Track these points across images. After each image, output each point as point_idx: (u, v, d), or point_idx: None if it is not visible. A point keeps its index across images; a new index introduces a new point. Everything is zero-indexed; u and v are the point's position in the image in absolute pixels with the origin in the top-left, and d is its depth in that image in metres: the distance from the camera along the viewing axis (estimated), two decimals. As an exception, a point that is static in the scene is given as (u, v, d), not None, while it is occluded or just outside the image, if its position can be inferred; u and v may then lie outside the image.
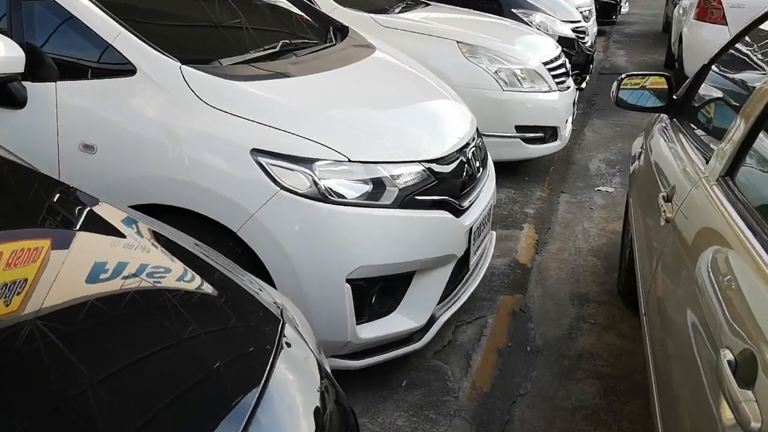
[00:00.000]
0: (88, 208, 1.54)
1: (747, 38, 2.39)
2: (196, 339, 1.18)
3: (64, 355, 1.01)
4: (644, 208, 2.58)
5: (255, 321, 1.31)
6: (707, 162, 1.87)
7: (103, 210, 1.51)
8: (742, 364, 1.14)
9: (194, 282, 1.34)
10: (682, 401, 1.52)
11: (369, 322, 2.41)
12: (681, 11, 9.43)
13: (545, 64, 5.02)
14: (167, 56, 2.34)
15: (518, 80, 4.83)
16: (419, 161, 2.52)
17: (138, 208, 2.27)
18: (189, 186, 2.24)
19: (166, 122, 2.26)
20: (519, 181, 5.15)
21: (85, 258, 1.30)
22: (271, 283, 2.28)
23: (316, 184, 2.27)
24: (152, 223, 1.53)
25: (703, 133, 2.38)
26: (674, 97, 2.63)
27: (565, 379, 2.81)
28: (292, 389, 1.21)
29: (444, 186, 2.60)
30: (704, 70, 2.56)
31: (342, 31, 3.51)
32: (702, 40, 7.65)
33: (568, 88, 5.22)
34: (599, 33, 11.41)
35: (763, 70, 2.29)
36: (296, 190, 2.25)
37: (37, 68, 2.34)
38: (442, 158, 2.62)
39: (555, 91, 4.98)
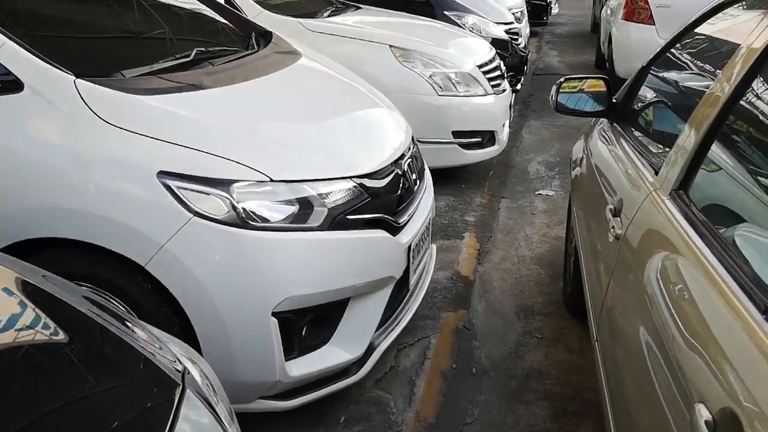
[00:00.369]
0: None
1: (685, 39, 2.27)
2: (61, 416, 0.94)
3: None
4: (589, 219, 2.44)
5: (145, 391, 1.08)
6: (656, 173, 1.72)
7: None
8: (715, 411, 0.99)
9: (67, 345, 1.10)
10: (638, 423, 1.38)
11: (300, 357, 2.19)
12: (609, 12, 9.52)
13: (480, 67, 4.89)
14: (60, 69, 2.07)
15: (453, 84, 4.68)
16: (350, 177, 2.31)
17: (25, 243, 2.01)
18: (87, 216, 1.97)
19: (58, 144, 1.99)
20: (458, 187, 5.00)
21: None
22: (186, 321, 2.04)
23: (234, 208, 2.04)
24: (23, 269, 1.28)
25: (647, 138, 2.25)
26: (614, 100, 2.50)
27: (514, 402, 2.65)
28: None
29: (378, 202, 2.40)
30: (643, 72, 2.44)
31: (265, 37, 3.28)
32: (631, 40, 7.71)
33: (504, 90, 5.11)
34: (531, 34, 11.46)
35: (703, 72, 2.17)
36: (212, 216, 2.01)
37: None
38: (375, 172, 2.43)
39: (491, 94, 4.85)
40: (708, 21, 2.11)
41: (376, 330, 2.42)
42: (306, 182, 2.19)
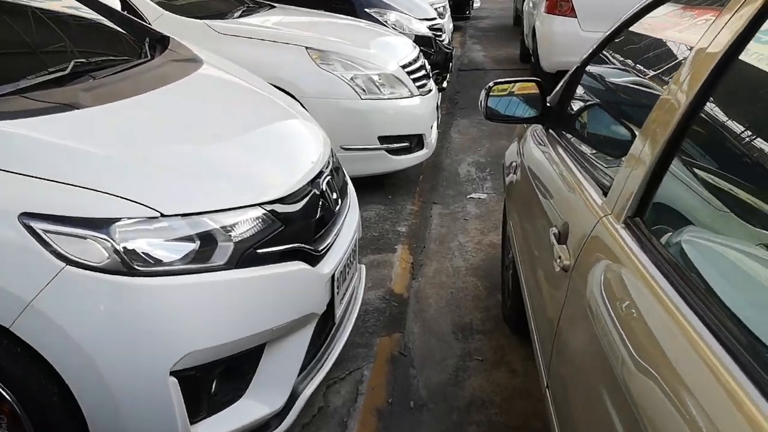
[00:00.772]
0: None
1: (621, 37, 2.06)
2: None
3: None
4: (530, 237, 2.22)
5: None
6: (604, 193, 1.49)
7: None
8: None
9: None
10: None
11: (209, 418, 1.88)
12: (531, 5, 9.45)
13: (404, 67, 4.65)
14: None
15: (377, 87, 4.42)
16: (259, 204, 2.01)
17: None
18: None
19: None
20: (387, 195, 4.75)
21: None
22: (67, 389, 1.70)
23: (116, 252, 1.71)
24: None
25: (588, 148, 2.03)
26: (548, 104, 2.28)
27: (457, 439, 2.41)
28: None
29: (294, 230, 2.11)
30: (577, 73, 2.22)
31: (161, 42, 2.93)
32: (554, 33, 7.64)
33: (430, 91, 4.88)
34: (454, 28, 11.34)
35: (645, 75, 1.97)
36: (89, 264, 1.68)
37: None
38: (288, 196, 2.13)
39: (417, 95, 4.61)
40: (644, 19, 1.90)
41: (299, 374, 2.13)
42: (206, 214, 1.88)
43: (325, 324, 2.31)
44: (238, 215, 1.95)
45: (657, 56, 1.92)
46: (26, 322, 1.64)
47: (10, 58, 2.32)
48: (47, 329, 1.65)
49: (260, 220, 2.00)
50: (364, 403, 2.57)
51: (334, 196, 2.45)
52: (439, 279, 3.59)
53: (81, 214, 1.69)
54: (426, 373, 2.77)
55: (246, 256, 1.93)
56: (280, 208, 2.08)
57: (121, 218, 1.73)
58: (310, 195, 2.26)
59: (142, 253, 1.77)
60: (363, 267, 2.92)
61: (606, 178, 1.58)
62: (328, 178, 2.46)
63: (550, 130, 2.30)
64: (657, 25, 1.91)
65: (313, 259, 2.17)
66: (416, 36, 6.80)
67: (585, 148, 1.98)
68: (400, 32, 6.54)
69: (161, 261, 1.80)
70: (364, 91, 4.36)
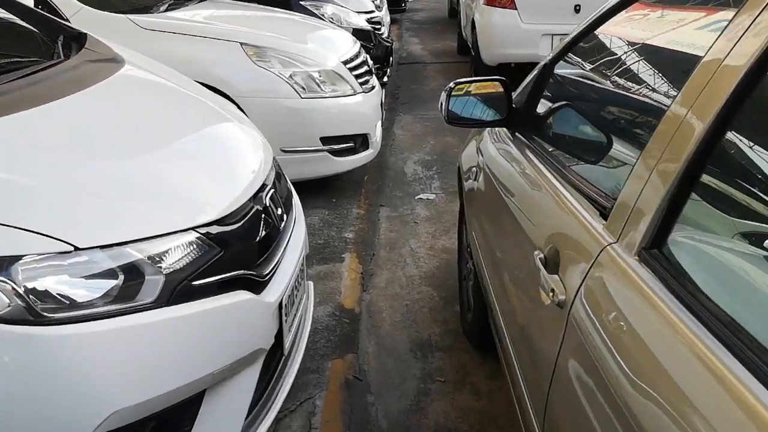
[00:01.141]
0: None
1: (599, 34, 1.86)
2: None
3: None
4: (500, 254, 2.01)
5: None
6: (603, 215, 1.28)
7: None
8: None
9: None
10: None
11: (142, 483, 1.61)
12: (469, -4, 9.32)
13: (345, 63, 4.39)
14: None
15: (317, 84, 4.16)
16: (193, 228, 1.74)
17: None
18: None
19: None
20: (332, 198, 4.50)
21: None
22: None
23: (20, 296, 1.42)
24: None
25: (565, 155, 1.83)
26: (514, 105, 2.08)
27: (424, 475, 2.19)
28: None
29: (234, 255, 1.84)
30: (545, 72, 2.02)
31: (77, 41, 2.60)
32: (495, 26, 7.51)
33: (373, 88, 4.64)
34: (391, 21, 11.12)
35: (637, 81, 1.77)
36: (-15, 314, 1.38)
37: None
38: (227, 216, 1.86)
39: (360, 93, 4.36)
40: (620, 15, 1.71)
41: (246, 418, 1.88)
42: (130, 243, 1.60)
43: (273, 356, 2.06)
44: (168, 242, 1.68)
45: (636, 56, 1.74)
46: None
47: None
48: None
49: (195, 246, 1.73)
50: (319, 438, 2.33)
51: (279, 211, 2.19)
52: (392, 290, 3.37)
53: (-28, 253, 1.39)
54: (385, 399, 2.55)
55: (179, 290, 1.66)
56: (217, 230, 1.81)
57: (24, 255, 1.44)
58: (251, 212, 2.00)
59: (56, 294, 1.49)
60: (311, 284, 2.67)
61: (598, 194, 1.37)
62: (272, 191, 2.19)
63: (517, 134, 2.10)
64: (635, 22, 1.72)
65: (258, 286, 1.91)
66: (355, 29, 6.55)
67: (561, 156, 1.78)
68: (337, 26, 6.29)
69: (77, 302, 1.51)
70: (303, 89, 4.10)
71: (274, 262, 2.04)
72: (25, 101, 1.87)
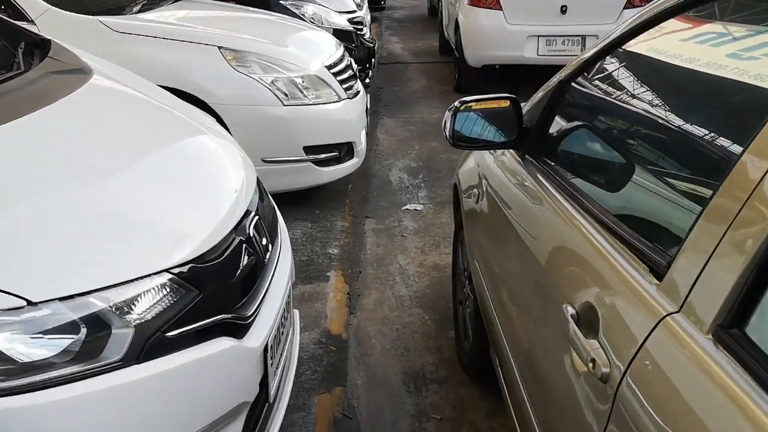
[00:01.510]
0: None
1: (629, 50, 1.67)
2: None
3: None
4: (513, 294, 1.82)
5: None
6: (654, 271, 1.09)
7: None
8: None
9: None
10: None
11: None
12: (452, -5, 9.14)
13: (329, 67, 4.18)
14: None
15: (300, 90, 3.94)
16: (167, 269, 1.53)
17: None
18: None
19: None
20: (315, 209, 4.28)
21: None
22: None
23: (-38, 364, 1.20)
24: None
25: (590, 186, 1.64)
26: (524, 126, 1.89)
27: None
28: None
29: (214, 297, 1.64)
30: (561, 88, 1.83)
31: (41, 48, 2.37)
32: (479, 26, 7.34)
33: (358, 93, 4.43)
34: (371, 20, 10.92)
35: (654, 99, 1.60)
36: None
37: None
38: (207, 252, 1.65)
39: (344, 99, 4.15)
40: (661, 27, 1.52)
41: (228, 481, 1.67)
42: (93, 293, 1.39)
43: (257, 404, 1.85)
44: (137, 288, 1.46)
45: (673, 80, 1.56)
46: None
47: None
48: None
49: (169, 290, 1.52)
50: (307, 488, 2.13)
51: (264, 241, 1.98)
52: (381, 312, 3.18)
53: None
54: (377, 439, 2.35)
55: (151, 343, 1.45)
56: (195, 269, 1.60)
57: (-35, 315, 1.22)
58: (233, 245, 1.79)
59: (6, 355, 1.27)
60: (296, 312, 2.47)
61: (643, 243, 1.18)
62: (256, 218, 1.98)
63: (528, 157, 1.91)
64: (674, 39, 1.53)
65: (240, 330, 1.71)
66: (336, 30, 6.34)
67: (584, 186, 1.59)
68: (318, 26, 6.07)
69: (32, 364, 1.30)
70: (286, 95, 3.88)
71: (258, 301, 1.83)
72: (-25, 123, 1.64)
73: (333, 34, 5.73)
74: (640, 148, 1.59)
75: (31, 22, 3.55)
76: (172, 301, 1.52)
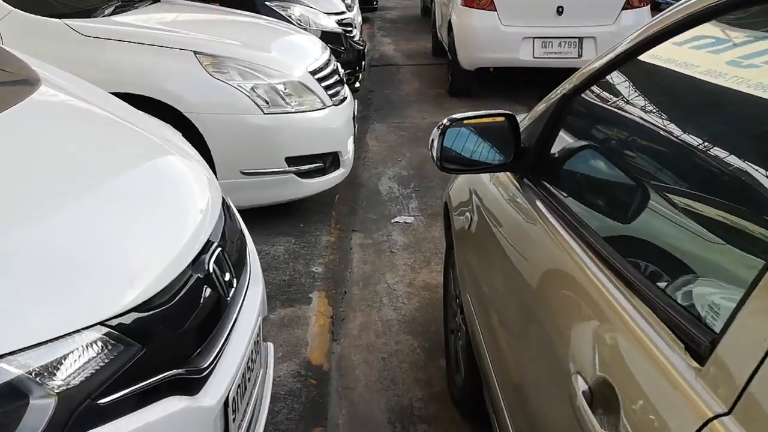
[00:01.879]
0: None
1: (641, 61, 1.44)
2: None
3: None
4: (509, 340, 1.59)
5: None
6: (693, 353, 0.86)
7: None
8: None
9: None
10: None
11: None
12: (445, -4, 8.90)
13: (313, 73, 3.94)
14: None
15: (282, 98, 3.70)
16: (101, 322, 1.29)
17: None
18: None
19: None
20: (299, 222, 4.04)
21: None
22: None
23: None
24: None
25: (602, 219, 1.42)
26: (522, 145, 1.66)
27: None
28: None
29: (162, 349, 1.41)
30: (564, 104, 1.60)
31: (-16, 56, 2.13)
32: (473, 28, 7.12)
33: (345, 99, 4.19)
34: (362, 20, 10.69)
35: (672, 119, 1.37)
36: None
37: None
38: (154, 297, 1.42)
39: (329, 106, 3.92)
40: (686, 35, 1.29)
41: None
42: (5, 357, 1.15)
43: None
44: (63, 347, 1.23)
45: (696, 92, 1.33)
46: None
47: None
48: None
49: (103, 347, 1.29)
50: None
51: (227, 276, 1.74)
52: (367, 339, 2.94)
53: None
54: (359, 489, 2.12)
55: (80, 413, 1.22)
56: (139, 319, 1.37)
57: None
58: (189, 284, 1.56)
59: None
60: (270, 346, 2.22)
61: (671, 305, 0.95)
62: (218, 249, 1.74)
63: (525, 180, 1.68)
64: (700, 49, 1.30)
65: (194, 385, 1.47)
66: (324, 32, 6.12)
67: (592, 218, 1.36)
68: (306, 28, 5.84)
69: None
70: (266, 103, 3.64)
71: (218, 348, 1.60)
72: None
73: (321, 37, 5.51)
74: (662, 173, 1.36)
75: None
76: (107, 360, 1.28)
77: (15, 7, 3.45)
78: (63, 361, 1.22)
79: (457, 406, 2.45)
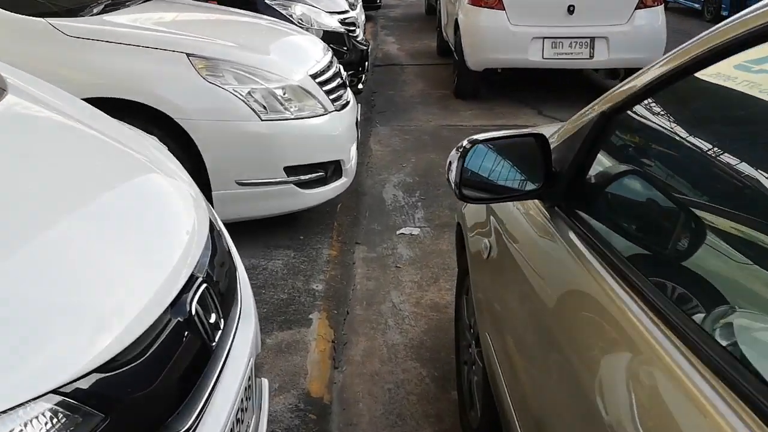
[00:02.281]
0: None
1: (704, 76, 1.21)
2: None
3: None
4: (540, 396, 1.37)
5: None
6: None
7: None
8: None
9: None
10: None
11: None
12: (451, -6, 8.66)
13: (314, 76, 3.71)
14: None
15: (281, 103, 3.48)
16: (53, 390, 1.07)
17: None
18: None
19: None
20: (299, 234, 3.82)
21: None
22: None
23: None
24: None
25: (649, 257, 1.20)
26: (554, 169, 1.43)
27: None
28: None
29: (131, 414, 1.19)
30: (607, 121, 1.37)
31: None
32: (481, 27, 6.88)
33: (347, 104, 3.96)
34: (365, 18, 10.46)
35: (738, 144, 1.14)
36: None
37: None
38: (122, 353, 1.19)
39: (332, 111, 3.69)
40: (751, 54, 1.06)
41: None
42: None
43: None
44: (2, 425, 1.01)
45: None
46: None
47: None
48: None
49: (56, 421, 1.06)
50: None
51: (212, 317, 1.52)
52: (371, 367, 2.71)
53: None
54: None
55: None
56: (102, 382, 1.14)
57: None
58: (168, 331, 1.33)
59: None
60: (265, 383, 2.00)
61: (746, 377, 0.73)
62: (203, 286, 1.52)
63: (557, 209, 1.46)
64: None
65: (173, 453, 1.25)
66: (326, 32, 5.90)
67: (636, 256, 1.14)
68: (307, 28, 5.62)
69: None
70: (264, 109, 3.42)
71: (201, 404, 1.37)
72: None
73: (323, 37, 5.30)
74: (720, 203, 1.13)
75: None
76: (58, 438, 1.06)
77: (-6, 6, 3.22)
78: (3, 442, 1.00)
79: (470, 446, 2.23)
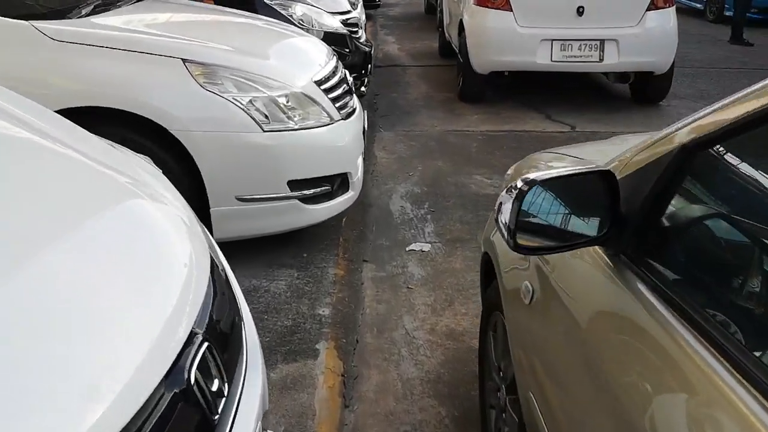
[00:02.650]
0: None
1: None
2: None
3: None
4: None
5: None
6: None
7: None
8: None
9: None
10: None
11: None
12: (454, -6, 8.42)
13: (319, 83, 3.47)
14: None
15: (283, 112, 3.24)
16: None
17: None
18: None
19: None
20: (302, 251, 3.58)
21: None
22: None
23: None
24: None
25: (741, 319, 0.97)
26: (621, 211, 1.20)
27: None
28: None
29: None
30: (686, 157, 1.14)
31: None
32: (487, 29, 6.64)
33: (354, 111, 3.72)
34: (365, 18, 10.23)
35: None
36: None
37: None
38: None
39: (337, 120, 3.45)
40: None
41: None
42: None
43: None
44: None
45: None
46: None
47: None
48: None
49: None
50: None
51: (215, 384, 1.28)
52: (385, 405, 2.48)
53: None
54: None
55: None
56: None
57: None
58: (161, 410, 1.10)
59: None
60: (273, 437, 1.76)
61: None
62: (205, 345, 1.28)
63: (623, 256, 1.22)
64: None
65: None
66: (328, 33, 5.66)
67: (726, 325, 0.92)
68: (308, 29, 5.38)
69: None
70: (266, 118, 3.18)
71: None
72: None
73: (325, 38, 5.05)
74: None
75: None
76: None
77: (-26, 8, 2.98)
78: None
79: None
